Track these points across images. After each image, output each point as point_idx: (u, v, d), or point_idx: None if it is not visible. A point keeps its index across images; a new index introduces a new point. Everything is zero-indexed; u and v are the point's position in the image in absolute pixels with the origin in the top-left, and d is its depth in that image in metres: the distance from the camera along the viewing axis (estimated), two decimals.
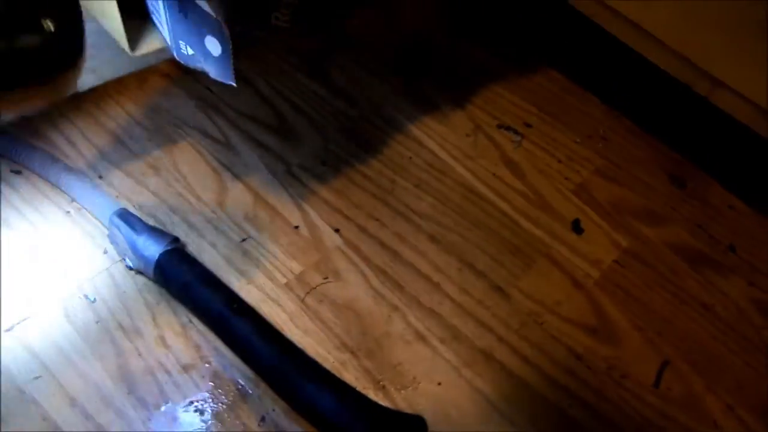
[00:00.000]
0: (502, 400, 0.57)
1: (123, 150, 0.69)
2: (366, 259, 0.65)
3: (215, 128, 0.73)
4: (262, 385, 0.54)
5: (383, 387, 0.56)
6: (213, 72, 0.45)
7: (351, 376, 0.56)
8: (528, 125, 0.81)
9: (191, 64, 0.47)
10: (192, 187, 0.67)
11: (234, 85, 0.45)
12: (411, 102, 0.81)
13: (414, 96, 0.81)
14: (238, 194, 0.68)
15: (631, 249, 0.70)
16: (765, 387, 0.61)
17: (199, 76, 0.77)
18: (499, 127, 0.80)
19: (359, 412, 0.50)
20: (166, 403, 0.53)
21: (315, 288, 0.62)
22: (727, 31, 0.71)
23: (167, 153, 0.70)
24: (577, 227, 0.71)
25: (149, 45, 0.50)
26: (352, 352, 0.58)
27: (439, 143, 0.77)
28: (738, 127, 0.74)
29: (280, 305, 0.60)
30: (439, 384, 0.57)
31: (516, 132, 0.80)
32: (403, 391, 0.56)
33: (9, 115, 0.36)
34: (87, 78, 0.67)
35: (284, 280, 0.62)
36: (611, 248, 0.70)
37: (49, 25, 0.34)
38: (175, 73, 0.77)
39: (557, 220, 0.71)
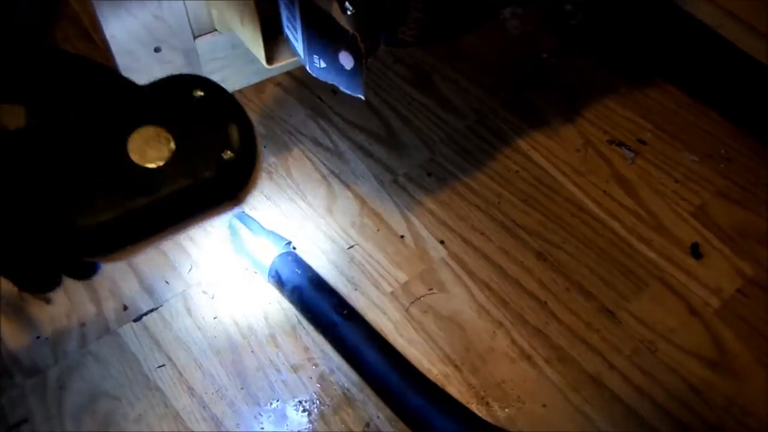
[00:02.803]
0: (609, 426, 0.55)
1: None
2: (470, 273, 0.64)
3: (325, 136, 0.75)
4: (368, 390, 0.55)
5: (487, 403, 0.56)
6: (343, 85, 0.47)
7: (454, 389, 0.56)
8: (642, 142, 0.78)
9: (322, 77, 0.49)
10: (303, 193, 0.70)
11: (363, 98, 0.46)
12: (519, 115, 0.79)
13: (522, 109, 0.80)
14: (345, 202, 0.69)
15: (756, 278, 0.65)
16: None
17: (311, 86, 0.80)
18: (611, 142, 0.77)
19: (469, 428, 0.50)
20: (276, 400, 0.55)
21: (419, 299, 0.62)
22: None
23: (281, 159, 0.73)
24: (695, 252, 0.67)
25: (283, 58, 0.52)
26: (455, 366, 0.58)
27: (547, 158, 0.75)
28: None
29: (385, 313, 0.61)
30: (545, 406, 0.56)
31: (629, 148, 0.77)
32: (507, 410, 0.55)
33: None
34: None
35: (390, 289, 0.63)
36: (734, 276, 0.65)
37: (229, 154, 0.37)
38: (289, 82, 0.80)
39: (673, 243, 0.68)
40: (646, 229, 0.69)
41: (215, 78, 0.69)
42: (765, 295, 0.64)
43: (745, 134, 0.78)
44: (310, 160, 0.73)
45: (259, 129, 0.75)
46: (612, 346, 0.60)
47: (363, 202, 0.69)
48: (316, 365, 0.57)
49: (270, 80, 0.80)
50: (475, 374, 0.57)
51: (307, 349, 0.58)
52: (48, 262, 0.38)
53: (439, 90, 0.82)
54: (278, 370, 0.57)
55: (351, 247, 0.66)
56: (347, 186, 0.71)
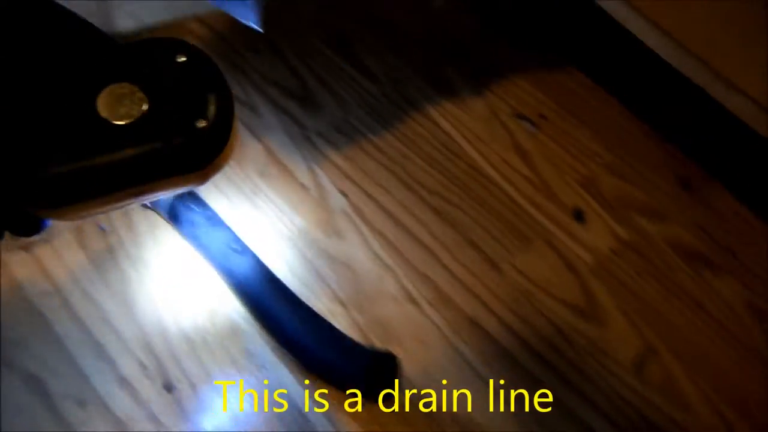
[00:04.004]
0: (482, 365, 0.59)
1: None
2: (368, 223, 0.67)
3: (241, 90, 0.77)
4: (253, 322, 0.57)
5: (368, 339, 0.58)
6: (241, 15, 0.48)
7: (339, 325, 0.59)
8: (543, 117, 0.82)
9: (222, 7, 0.50)
10: None
11: (261, 31, 0.48)
12: (433, 85, 0.83)
13: (436, 80, 0.84)
14: (254, 152, 0.71)
15: (630, 242, 0.71)
16: (746, 382, 0.61)
17: (229, 39, 0.81)
18: (516, 116, 0.82)
19: (343, 352, 0.53)
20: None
21: (316, 243, 0.65)
22: (743, 33, 0.71)
23: None
24: (579, 216, 0.72)
25: None
26: (343, 305, 0.60)
27: (454, 126, 0.79)
28: (749, 133, 0.74)
29: (281, 255, 0.63)
30: (423, 343, 0.59)
31: (531, 123, 0.81)
32: (387, 346, 0.58)
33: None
34: (126, 21, 0.72)
35: (288, 233, 0.65)
36: (611, 239, 0.71)
37: (203, 123, 0.35)
38: (207, 35, 0.81)
39: (560, 208, 0.73)
40: (537, 195, 0.74)
41: (126, 9, 0.70)
42: (636, 256, 0.70)
43: (636, 118, 0.85)
44: None
45: None
46: (493, 294, 0.64)
47: (270, 152, 0.71)
48: (206, 295, 0.59)
49: (187, 32, 0.80)
50: (360, 312, 0.60)
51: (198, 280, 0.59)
52: None
53: (358, 56, 0.84)
54: (167, 301, 0.58)
55: (255, 194, 0.67)
56: (257, 138, 0.72)
